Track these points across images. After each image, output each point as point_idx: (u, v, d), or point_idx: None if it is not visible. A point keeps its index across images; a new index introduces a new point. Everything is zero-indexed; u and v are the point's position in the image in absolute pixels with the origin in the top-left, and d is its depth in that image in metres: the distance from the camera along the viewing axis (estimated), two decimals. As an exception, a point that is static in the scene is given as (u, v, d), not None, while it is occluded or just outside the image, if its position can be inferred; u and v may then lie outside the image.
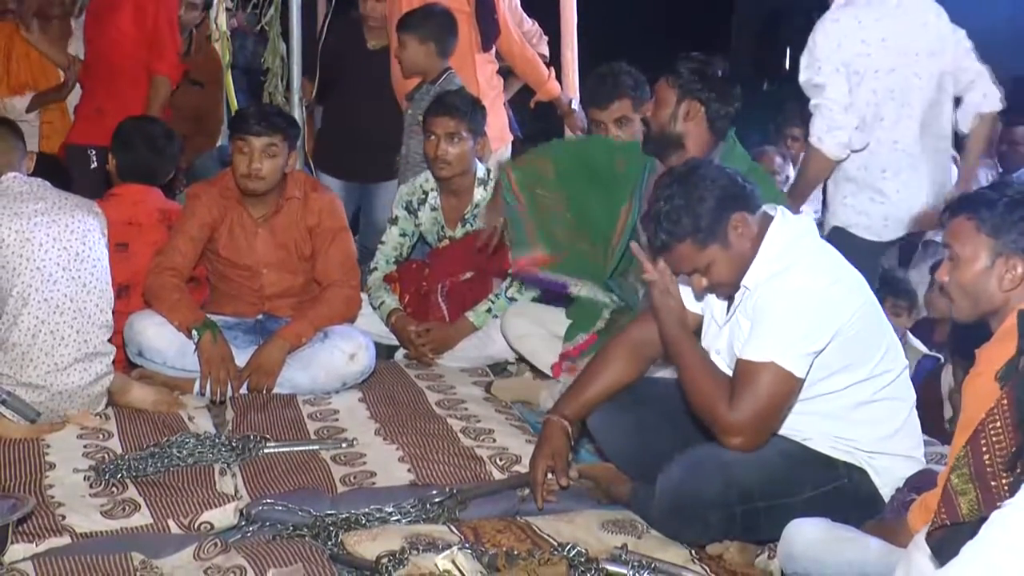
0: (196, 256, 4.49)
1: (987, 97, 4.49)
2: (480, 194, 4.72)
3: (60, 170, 4.71)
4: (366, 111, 5.68)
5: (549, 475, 3.29)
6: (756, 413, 2.97)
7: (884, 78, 4.33)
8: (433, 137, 4.59)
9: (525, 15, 6.13)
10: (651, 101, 3.92)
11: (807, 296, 2.99)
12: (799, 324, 2.97)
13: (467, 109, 4.62)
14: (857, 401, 3.08)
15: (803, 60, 4.43)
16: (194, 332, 4.26)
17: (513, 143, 5.86)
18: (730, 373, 3.16)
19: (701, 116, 3.80)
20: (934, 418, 4.01)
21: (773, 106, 7.74)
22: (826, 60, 4.32)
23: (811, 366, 2.99)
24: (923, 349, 4.63)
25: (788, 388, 2.98)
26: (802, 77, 4.43)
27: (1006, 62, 5.11)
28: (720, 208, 3.03)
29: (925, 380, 4.33)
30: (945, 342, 4.80)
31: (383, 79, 5.64)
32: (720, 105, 3.80)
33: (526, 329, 4.39)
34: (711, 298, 3.24)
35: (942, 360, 4.48)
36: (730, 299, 3.18)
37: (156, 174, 4.64)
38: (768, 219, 3.10)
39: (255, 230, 4.49)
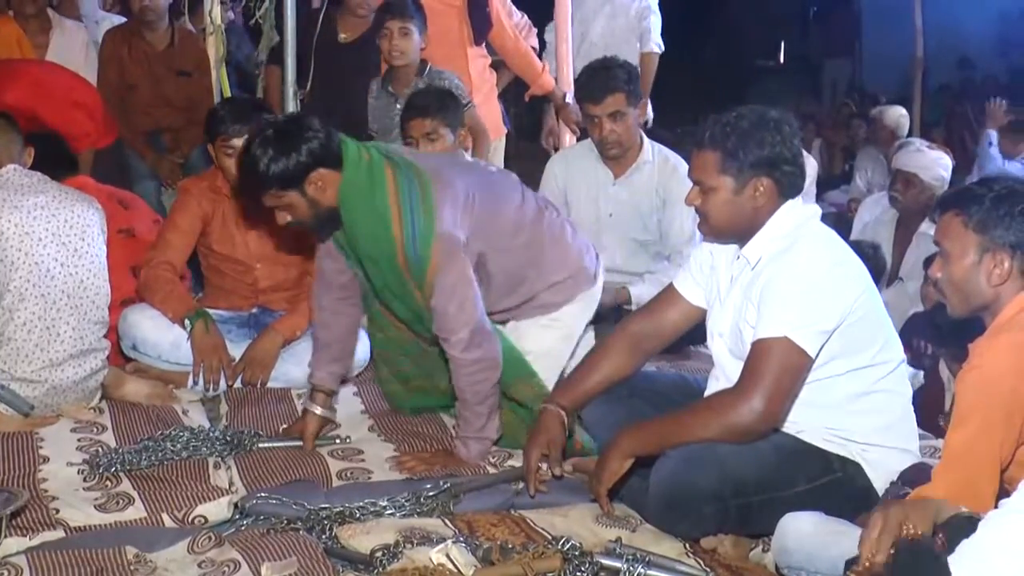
0: (189, 249, 4.49)
1: (646, 43, 6.49)
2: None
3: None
4: (344, 104, 5.67)
5: (543, 465, 3.30)
6: (768, 387, 2.95)
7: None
8: (412, 141, 4.53)
9: (514, 8, 6.14)
10: (281, 214, 3.46)
11: (814, 273, 3.02)
12: (808, 301, 2.98)
13: (440, 106, 4.55)
14: (856, 391, 3.09)
15: None
16: (187, 322, 4.26)
17: (506, 136, 5.87)
18: (729, 357, 3.19)
19: (326, 176, 3.38)
20: (934, 411, 4.01)
21: (770, 96, 7.84)
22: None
23: (821, 348, 3.00)
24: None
25: (799, 364, 2.98)
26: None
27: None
28: (764, 162, 3.06)
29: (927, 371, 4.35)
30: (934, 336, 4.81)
31: (358, 70, 5.64)
32: (318, 146, 3.37)
33: None
34: (717, 279, 3.26)
35: (921, 375, 4.47)
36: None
37: (72, 156, 4.68)
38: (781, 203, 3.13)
39: (247, 225, 4.49)
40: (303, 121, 3.43)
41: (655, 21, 6.57)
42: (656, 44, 6.53)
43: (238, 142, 4.02)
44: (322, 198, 3.39)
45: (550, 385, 3.68)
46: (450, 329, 3.44)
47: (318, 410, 3.71)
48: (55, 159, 4.46)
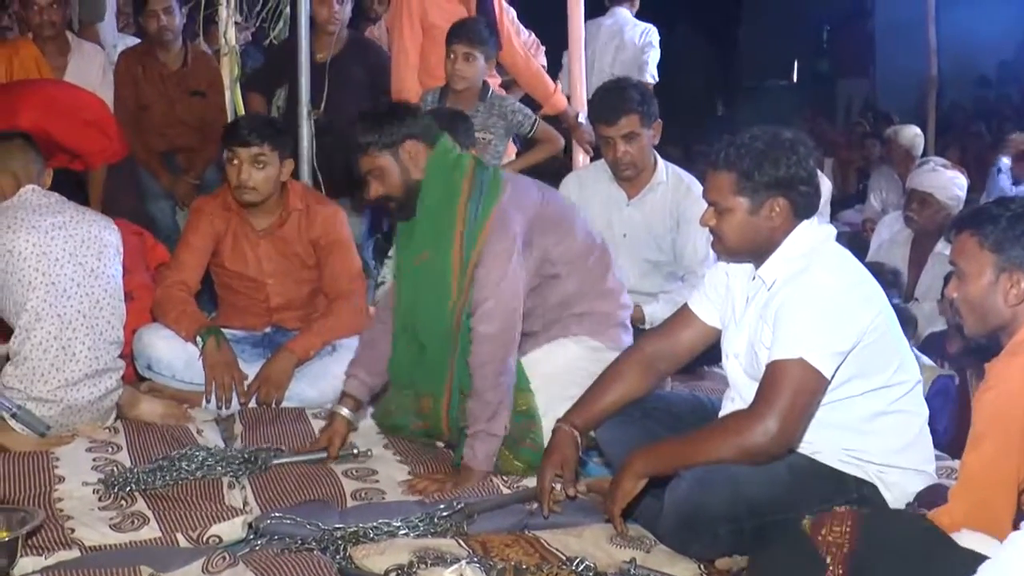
0: (202, 268, 4.53)
1: (642, 74, 7.29)
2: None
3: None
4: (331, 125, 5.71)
5: (557, 485, 3.29)
6: (783, 409, 2.93)
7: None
8: None
9: (522, 26, 6.16)
10: (373, 181, 3.73)
11: (830, 294, 3.01)
12: (824, 322, 2.97)
13: (448, 127, 4.59)
14: (872, 412, 3.07)
15: None
16: (199, 339, 4.28)
17: (518, 155, 5.89)
18: (745, 378, 3.18)
19: (420, 149, 3.71)
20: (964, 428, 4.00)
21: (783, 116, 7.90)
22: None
23: (836, 369, 2.98)
24: (935, 367, 4.62)
25: (814, 386, 2.97)
26: None
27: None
28: (779, 182, 3.06)
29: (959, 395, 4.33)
30: (959, 354, 4.80)
31: (338, 89, 5.68)
32: (416, 123, 3.74)
33: None
34: (732, 298, 3.26)
35: (956, 379, 4.46)
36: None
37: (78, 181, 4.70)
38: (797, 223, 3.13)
39: (257, 241, 4.52)
40: (409, 104, 3.99)
41: (653, 55, 7.63)
42: (651, 75, 7.50)
43: (244, 152, 4.31)
44: (412, 168, 3.70)
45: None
46: (483, 297, 3.60)
47: (344, 411, 3.79)
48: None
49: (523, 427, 3.67)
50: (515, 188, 3.75)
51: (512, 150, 5.82)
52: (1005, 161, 7.85)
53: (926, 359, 4.63)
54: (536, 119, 5.51)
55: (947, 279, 4.50)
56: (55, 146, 5.04)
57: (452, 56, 5.27)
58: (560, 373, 3.78)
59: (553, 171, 6.08)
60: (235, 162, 4.36)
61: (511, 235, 3.65)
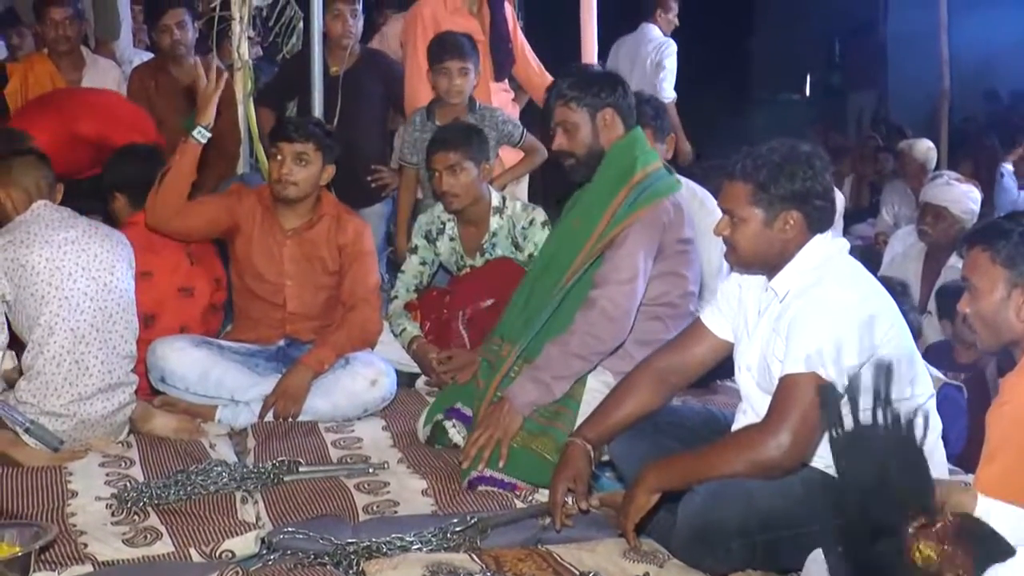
0: (209, 214, 4.58)
1: (660, 90, 7.51)
2: (496, 222, 4.75)
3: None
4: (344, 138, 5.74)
5: (569, 499, 3.29)
6: (795, 423, 2.93)
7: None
8: (436, 174, 4.67)
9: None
10: (561, 133, 3.96)
11: (843, 307, 3.00)
12: (836, 334, 2.96)
13: (462, 140, 4.68)
14: (885, 425, 3.06)
15: None
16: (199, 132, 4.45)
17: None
18: (757, 391, 3.18)
19: (617, 123, 3.92)
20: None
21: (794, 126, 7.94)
22: None
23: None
24: (941, 376, 4.62)
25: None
26: None
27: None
28: (794, 196, 3.07)
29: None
30: (969, 364, 4.79)
31: (350, 101, 5.72)
32: (622, 98, 3.95)
33: None
34: (744, 310, 3.26)
35: (964, 389, 4.45)
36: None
37: None
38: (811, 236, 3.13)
39: (284, 240, 4.55)
40: (624, 80, 4.06)
41: (664, 75, 7.79)
42: (665, 95, 7.52)
43: (287, 147, 4.39)
44: (601, 135, 3.91)
45: None
46: (611, 280, 3.73)
47: None
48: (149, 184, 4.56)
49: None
50: (678, 204, 3.88)
51: (501, 161, 5.82)
52: (1008, 167, 7.86)
53: (934, 371, 4.63)
54: (524, 129, 5.55)
55: (944, 293, 4.52)
56: (108, 154, 5.03)
57: (446, 72, 5.27)
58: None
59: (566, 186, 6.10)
60: (278, 157, 4.45)
61: (655, 236, 3.79)
